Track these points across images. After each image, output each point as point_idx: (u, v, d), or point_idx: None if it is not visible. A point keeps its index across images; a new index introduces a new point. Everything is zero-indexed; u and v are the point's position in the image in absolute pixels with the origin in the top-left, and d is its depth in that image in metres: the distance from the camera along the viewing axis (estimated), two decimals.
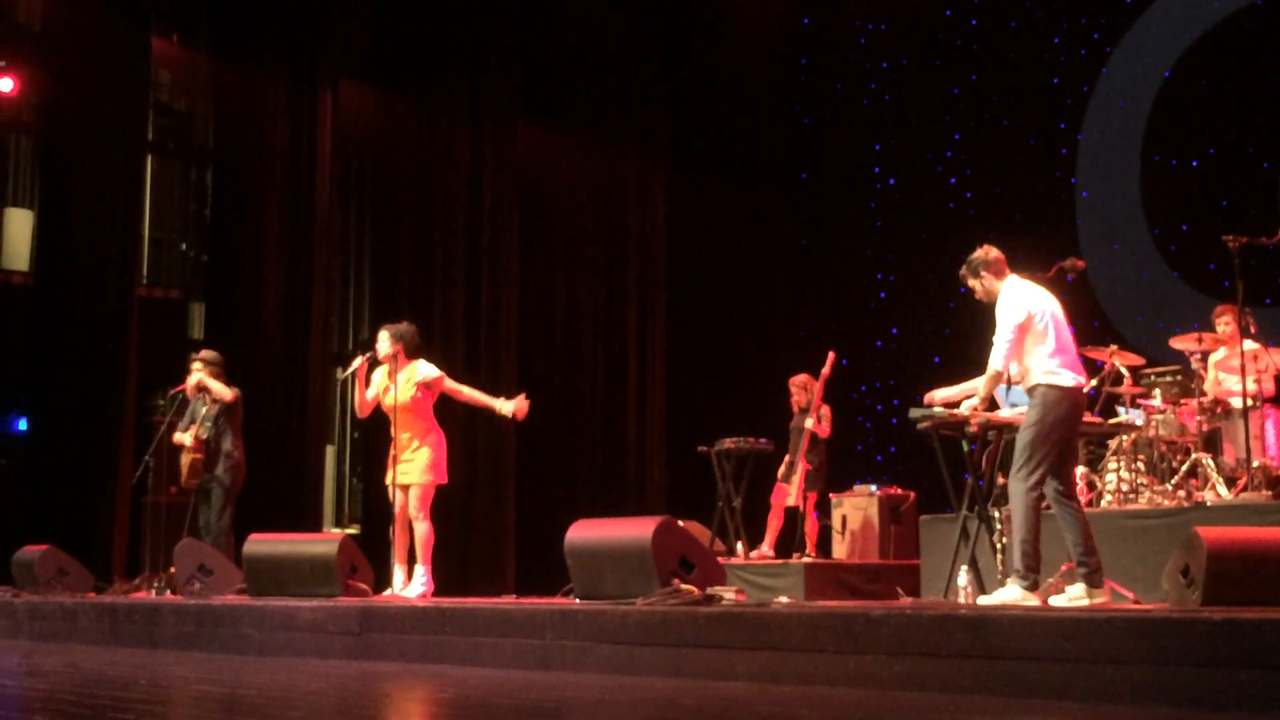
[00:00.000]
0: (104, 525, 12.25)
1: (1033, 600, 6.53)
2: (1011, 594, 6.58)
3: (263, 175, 13.66)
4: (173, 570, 9.74)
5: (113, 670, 6.59)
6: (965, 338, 13.66)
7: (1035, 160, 14.10)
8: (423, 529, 8.55)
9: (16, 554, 10.61)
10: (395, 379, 8.67)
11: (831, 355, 11.10)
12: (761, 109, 16.19)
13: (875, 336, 15.04)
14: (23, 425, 12.99)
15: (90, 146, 12.83)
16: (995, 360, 6.77)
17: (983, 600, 6.83)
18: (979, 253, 6.98)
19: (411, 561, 8.65)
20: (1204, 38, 13.13)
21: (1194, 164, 13.12)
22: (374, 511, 13.72)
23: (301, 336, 13.63)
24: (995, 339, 6.79)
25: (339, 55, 14.45)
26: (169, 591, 9.76)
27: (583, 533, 6.99)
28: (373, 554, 9.06)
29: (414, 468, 8.56)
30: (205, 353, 10.23)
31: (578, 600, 6.82)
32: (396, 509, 8.64)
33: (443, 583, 9.07)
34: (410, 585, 8.57)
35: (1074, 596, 6.58)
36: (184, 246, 15.58)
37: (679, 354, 16.07)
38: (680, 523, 7.09)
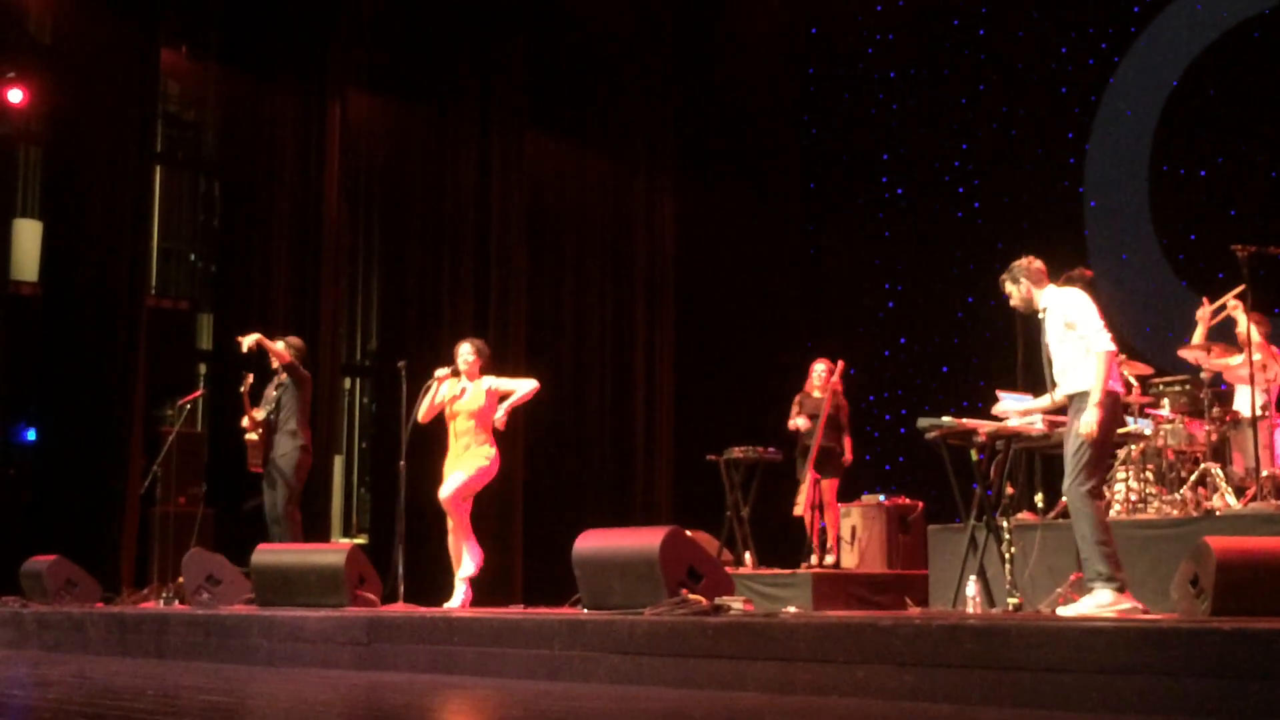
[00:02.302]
0: (112, 535, 12.25)
1: (1125, 603, 6.41)
2: (1103, 598, 6.44)
3: (271, 186, 13.68)
4: (181, 580, 9.74)
5: (121, 680, 6.59)
6: (974, 347, 13.72)
7: (1043, 170, 14.10)
8: (462, 537, 8.67)
9: (25, 564, 10.62)
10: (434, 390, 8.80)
11: (840, 364, 11.12)
12: (769, 118, 16.20)
13: (884, 346, 15.04)
14: (31, 435, 13.00)
15: (99, 157, 12.85)
16: (1104, 342, 6.66)
17: (1071, 610, 6.59)
18: (1023, 261, 7.06)
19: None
20: (1212, 47, 13.13)
21: (1202, 173, 13.12)
22: (382, 522, 13.72)
23: (309, 346, 13.64)
24: (1084, 329, 6.71)
25: (347, 66, 14.46)
26: (177, 601, 9.76)
27: (590, 543, 6.99)
28: (381, 564, 9.05)
29: (464, 471, 8.68)
30: (292, 338, 10.04)
31: (585, 610, 6.81)
32: (452, 521, 8.71)
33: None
34: (463, 566, 8.72)
35: (1102, 604, 6.48)
36: (192, 257, 15.61)
37: (687, 363, 16.07)
38: (688, 532, 7.08)
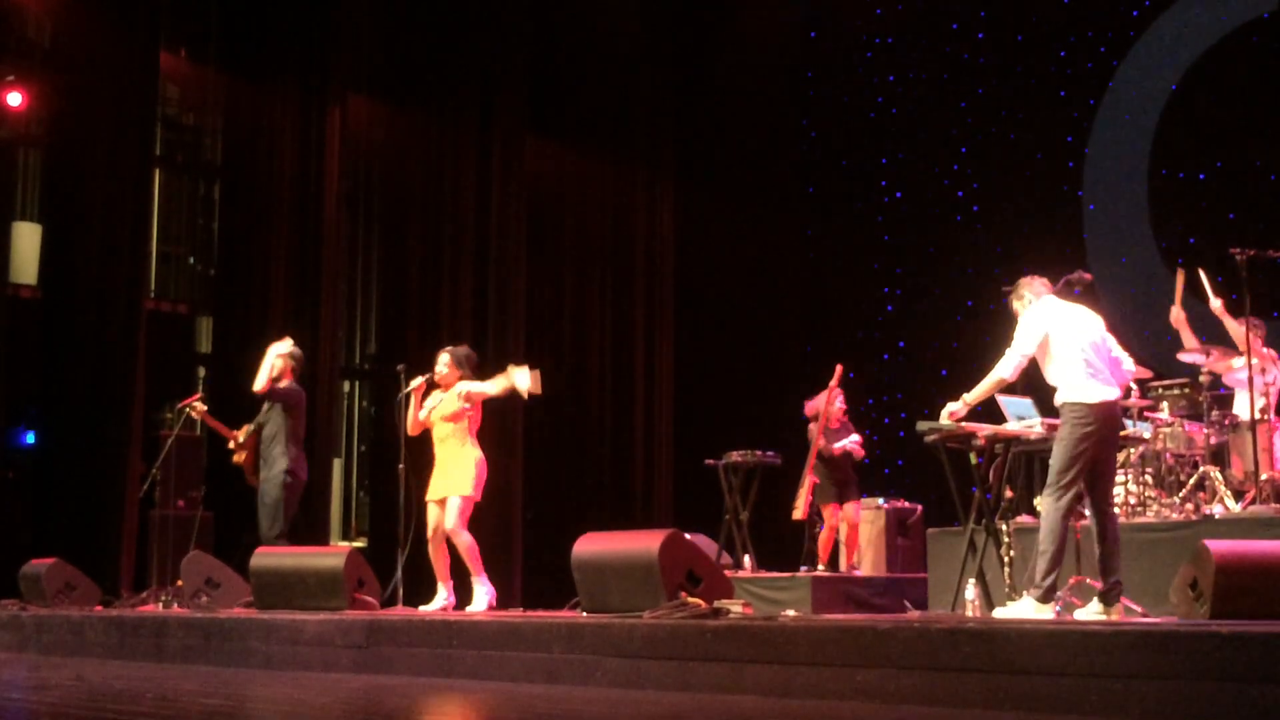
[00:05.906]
0: (111, 538, 12.25)
1: (1046, 612, 6.54)
2: (1025, 608, 6.60)
3: (271, 189, 13.68)
4: (180, 583, 9.72)
5: (120, 684, 6.59)
6: (972, 351, 13.69)
7: (1042, 173, 14.11)
8: (465, 540, 8.54)
9: (24, 567, 10.62)
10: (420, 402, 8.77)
11: (839, 368, 11.11)
12: (769, 122, 16.21)
13: (882, 350, 15.04)
14: (31, 438, 13.00)
15: (98, 161, 12.85)
16: (1003, 369, 6.99)
17: (997, 614, 6.85)
18: (1025, 278, 7.28)
19: (461, 575, 8.66)
20: (1211, 51, 13.14)
21: (1201, 177, 13.13)
22: (381, 525, 13.71)
23: (309, 350, 13.63)
24: (1009, 349, 6.99)
25: (347, 70, 14.48)
26: (176, 605, 9.75)
27: (589, 546, 6.98)
28: (380, 568, 9.05)
29: (451, 482, 8.56)
30: (295, 350, 9.83)
31: (584, 614, 6.81)
32: (431, 526, 8.62)
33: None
34: (474, 600, 8.57)
35: (1094, 612, 6.65)
36: (192, 260, 15.61)
37: (687, 367, 16.08)
38: (687, 536, 7.08)
